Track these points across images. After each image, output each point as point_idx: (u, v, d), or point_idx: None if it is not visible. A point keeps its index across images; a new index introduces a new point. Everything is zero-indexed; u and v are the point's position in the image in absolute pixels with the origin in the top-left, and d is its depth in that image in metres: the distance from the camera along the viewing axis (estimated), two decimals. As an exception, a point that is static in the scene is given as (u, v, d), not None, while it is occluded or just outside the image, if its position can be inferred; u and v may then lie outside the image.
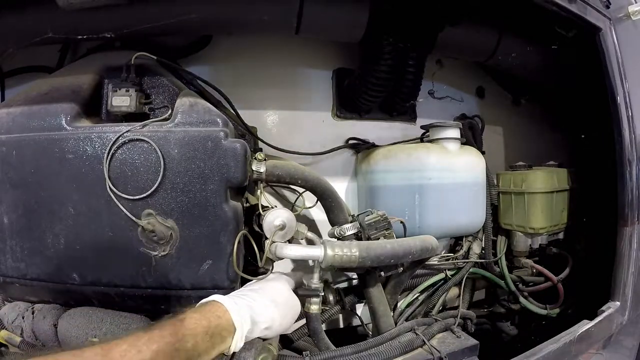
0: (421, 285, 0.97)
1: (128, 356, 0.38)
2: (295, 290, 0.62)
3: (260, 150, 0.85)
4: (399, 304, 0.95)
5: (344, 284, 1.01)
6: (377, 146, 1.02)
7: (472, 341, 0.74)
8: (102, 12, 0.65)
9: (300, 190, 0.81)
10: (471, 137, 1.08)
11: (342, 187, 1.06)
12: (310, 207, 0.80)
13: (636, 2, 0.88)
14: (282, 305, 0.56)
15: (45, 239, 0.61)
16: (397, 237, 0.72)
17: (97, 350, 0.37)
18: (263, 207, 0.69)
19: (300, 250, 0.62)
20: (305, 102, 1.04)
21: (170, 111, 0.65)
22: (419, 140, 1.05)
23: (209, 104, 0.65)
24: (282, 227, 0.64)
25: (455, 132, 0.92)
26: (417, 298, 0.97)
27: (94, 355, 0.37)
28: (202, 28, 0.80)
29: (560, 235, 1.07)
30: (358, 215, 0.70)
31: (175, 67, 0.77)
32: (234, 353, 0.49)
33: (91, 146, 0.60)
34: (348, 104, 1.05)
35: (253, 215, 0.70)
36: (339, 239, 0.70)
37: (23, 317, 0.65)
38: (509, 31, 0.96)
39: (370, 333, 0.85)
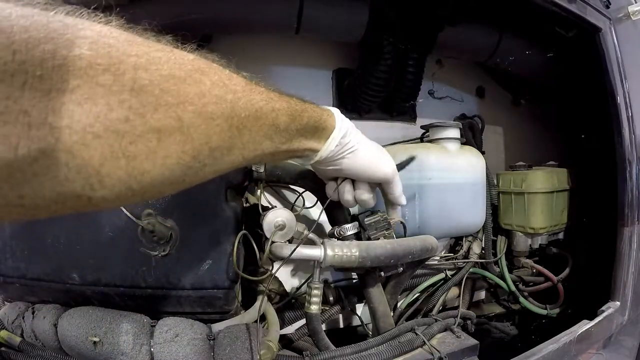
0: (421, 285, 0.97)
1: (263, 96, 0.36)
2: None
3: (260, 150, 0.85)
4: (399, 304, 0.95)
5: (344, 284, 1.01)
6: (377, 146, 1.02)
7: (472, 341, 0.74)
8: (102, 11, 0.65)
9: (300, 190, 0.81)
10: (471, 137, 1.08)
11: (342, 187, 1.06)
12: (310, 207, 0.80)
13: (636, 2, 0.88)
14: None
15: (45, 239, 0.61)
16: (397, 237, 0.72)
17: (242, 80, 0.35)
18: (263, 207, 0.69)
19: (300, 251, 0.62)
20: (305, 102, 1.03)
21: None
22: (419, 140, 1.05)
23: (209, 104, 0.65)
24: (282, 227, 0.64)
25: (455, 132, 0.92)
26: (417, 298, 0.97)
27: (240, 81, 0.34)
28: (202, 28, 0.80)
29: (560, 235, 1.07)
30: (358, 215, 0.70)
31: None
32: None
33: (91, 146, 0.60)
34: (348, 104, 1.05)
35: (253, 215, 0.70)
36: (339, 239, 0.69)
37: (23, 317, 0.65)
38: (509, 31, 0.96)
39: (370, 333, 0.85)
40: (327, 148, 0.49)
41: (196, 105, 0.27)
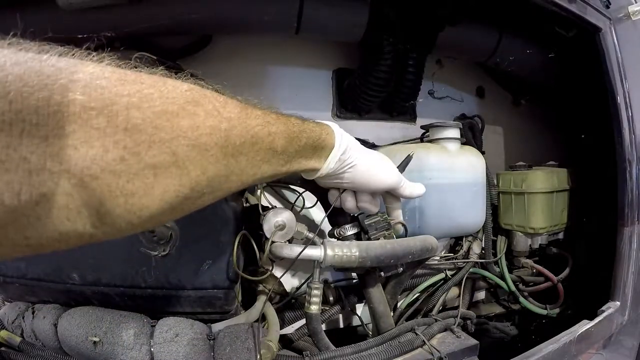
0: (421, 285, 0.97)
1: (260, 120, 0.36)
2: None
3: (260, 150, 0.84)
4: (399, 304, 0.96)
5: (344, 284, 1.01)
6: (377, 146, 1.02)
7: (472, 341, 0.74)
8: (103, 12, 0.65)
9: (300, 190, 0.81)
10: (471, 137, 1.08)
11: (342, 187, 1.06)
12: (310, 207, 0.80)
13: (636, 2, 0.88)
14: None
15: (45, 239, 0.61)
16: (397, 237, 0.72)
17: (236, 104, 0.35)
18: (263, 207, 0.69)
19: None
20: (305, 102, 1.04)
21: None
22: (419, 140, 1.05)
23: (209, 104, 0.65)
24: (282, 227, 0.64)
25: (455, 132, 0.92)
26: (417, 298, 0.97)
27: (234, 107, 0.34)
28: (202, 28, 0.80)
29: (560, 235, 1.07)
30: (358, 215, 0.70)
31: (176, 67, 0.77)
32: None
33: (91, 146, 0.60)
34: (348, 104, 1.05)
35: (253, 215, 0.70)
36: (339, 239, 0.69)
37: (23, 317, 0.65)
38: (509, 31, 0.96)
39: (370, 333, 0.85)
40: (327, 166, 0.49)
41: (190, 139, 0.28)
